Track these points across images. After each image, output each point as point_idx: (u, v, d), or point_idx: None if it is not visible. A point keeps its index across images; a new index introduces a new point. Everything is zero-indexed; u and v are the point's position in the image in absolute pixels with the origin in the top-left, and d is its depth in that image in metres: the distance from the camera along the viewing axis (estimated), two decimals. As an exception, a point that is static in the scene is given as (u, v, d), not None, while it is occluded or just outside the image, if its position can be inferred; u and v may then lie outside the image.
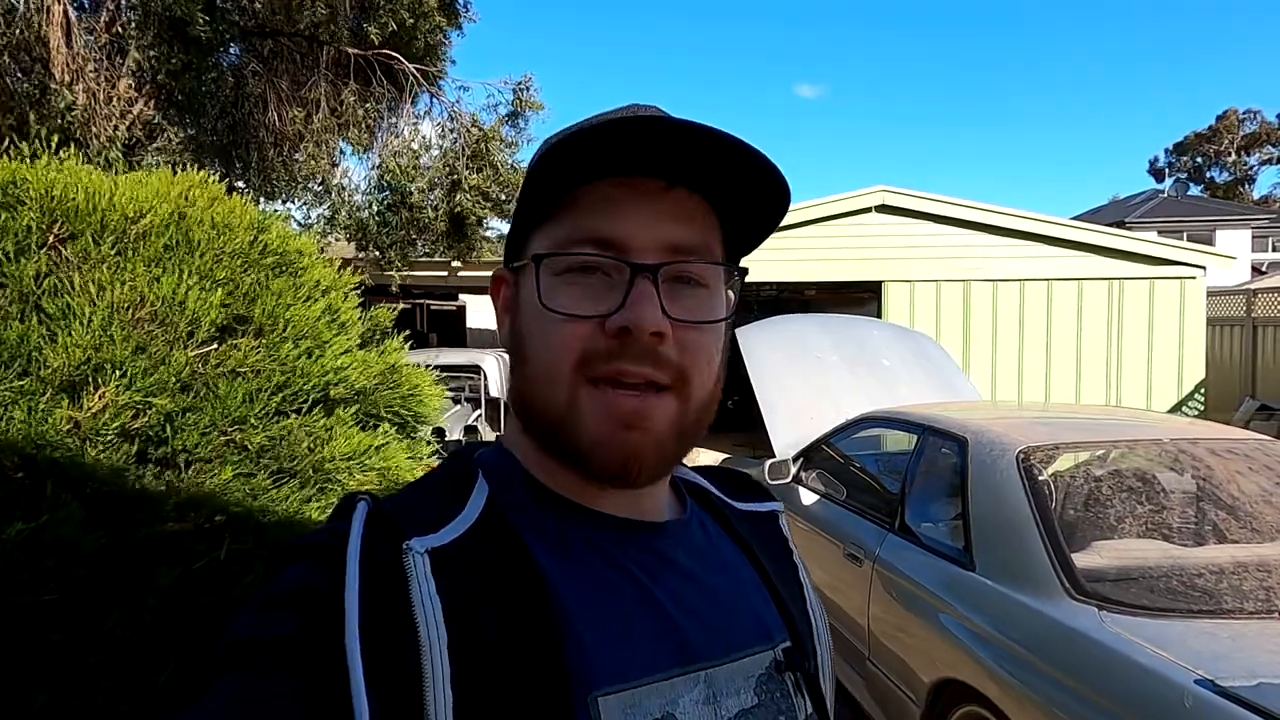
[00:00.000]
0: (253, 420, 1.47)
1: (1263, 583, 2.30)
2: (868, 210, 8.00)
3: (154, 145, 5.92)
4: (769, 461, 4.37)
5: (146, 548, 1.30)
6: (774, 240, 7.85)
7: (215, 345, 1.48)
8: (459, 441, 10.00)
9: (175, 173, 1.74)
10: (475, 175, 8.01)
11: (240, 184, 6.90)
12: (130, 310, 1.40)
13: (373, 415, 1.83)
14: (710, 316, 0.61)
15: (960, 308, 7.98)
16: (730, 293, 0.65)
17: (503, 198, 8.24)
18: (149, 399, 1.34)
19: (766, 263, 8.26)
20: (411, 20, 6.59)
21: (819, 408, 4.81)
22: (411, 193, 7.99)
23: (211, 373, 1.46)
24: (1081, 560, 2.53)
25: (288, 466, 1.51)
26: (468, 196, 8.02)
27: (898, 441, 3.79)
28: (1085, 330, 7.83)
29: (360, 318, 1.99)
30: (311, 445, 1.53)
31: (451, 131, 8.03)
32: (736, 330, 5.76)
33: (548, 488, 0.61)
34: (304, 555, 0.55)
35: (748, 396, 5.40)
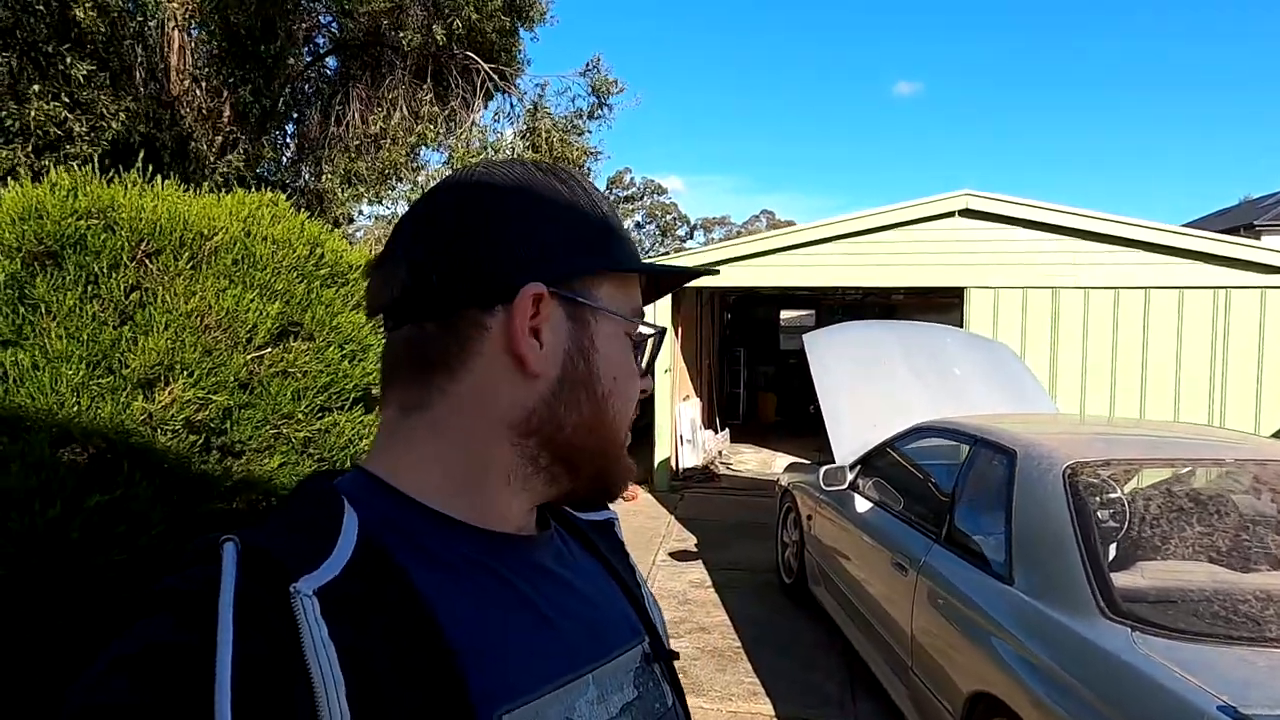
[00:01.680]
0: (299, 415, 1.67)
1: (1313, 612, 2.21)
2: (950, 214, 7.81)
3: (230, 156, 6.43)
4: (824, 467, 4.39)
5: (205, 522, 1.51)
6: (855, 245, 7.81)
7: (269, 349, 1.69)
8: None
9: (250, 189, 1.98)
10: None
11: (327, 187, 7.38)
12: (199, 318, 1.62)
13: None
14: None
15: (1048, 316, 7.68)
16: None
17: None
18: (210, 396, 1.56)
19: (846, 267, 8.18)
20: (478, 18, 6.83)
21: (883, 416, 4.78)
22: None
23: (265, 373, 1.67)
24: (1122, 580, 2.48)
25: (329, 456, 1.70)
26: None
27: (952, 452, 3.75)
28: (1186, 342, 7.40)
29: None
30: (350, 439, 1.72)
31: (531, 131, 8.32)
32: (804, 335, 5.78)
33: (430, 508, 0.61)
34: (160, 606, 0.49)
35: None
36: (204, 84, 6.28)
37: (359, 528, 0.56)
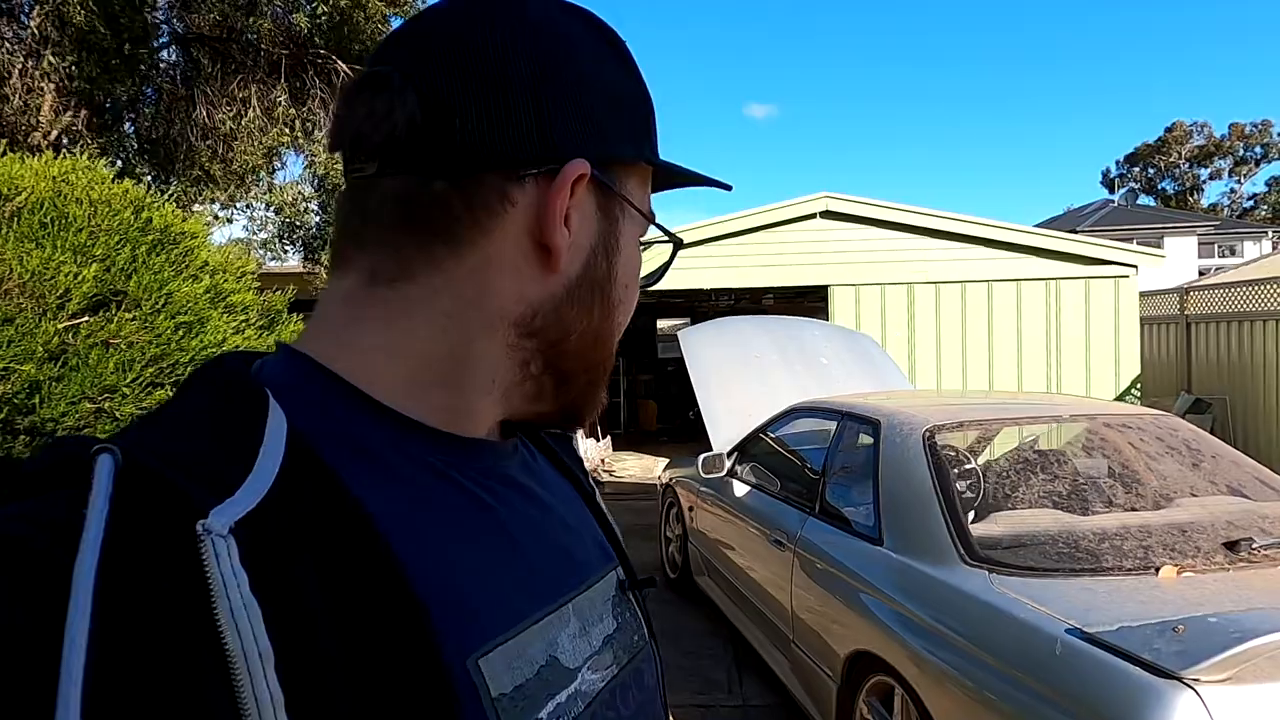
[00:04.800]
0: (124, 390, 1.51)
1: (1141, 543, 2.42)
2: (812, 216, 8.18)
3: (75, 149, 5.90)
4: (703, 455, 4.45)
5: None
6: (725, 247, 7.99)
7: (87, 317, 1.52)
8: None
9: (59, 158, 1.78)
10: None
11: (175, 189, 6.84)
12: (-2, 282, 1.43)
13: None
14: None
15: (905, 310, 8.16)
16: None
17: None
18: (14, 365, 1.38)
19: (718, 269, 8.38)
20: (350, 5, 6.42)
21: (757, 405, 4.90)
22: None
23: (82, 344, 1.50)
24: (979, 530, 2.63)
25: (161, 434, 1.55)
26: None
27: (823, 430, 3.89)
28: (1025, 330, 8.06)
29: (258, 303, 2.03)
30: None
31: None
32: (678, 332, 5.87)
33: (387, 407, 0.49)
34: None
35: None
36: (35, 71, 5.68)
37: (288, 433, 0.42)
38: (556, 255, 0.51)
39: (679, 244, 0.62)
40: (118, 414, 1.51)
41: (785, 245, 8.24)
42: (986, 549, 2.50)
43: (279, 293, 2.14)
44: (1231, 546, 2.38)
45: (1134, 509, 2.70)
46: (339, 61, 6.77)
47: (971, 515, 2.81)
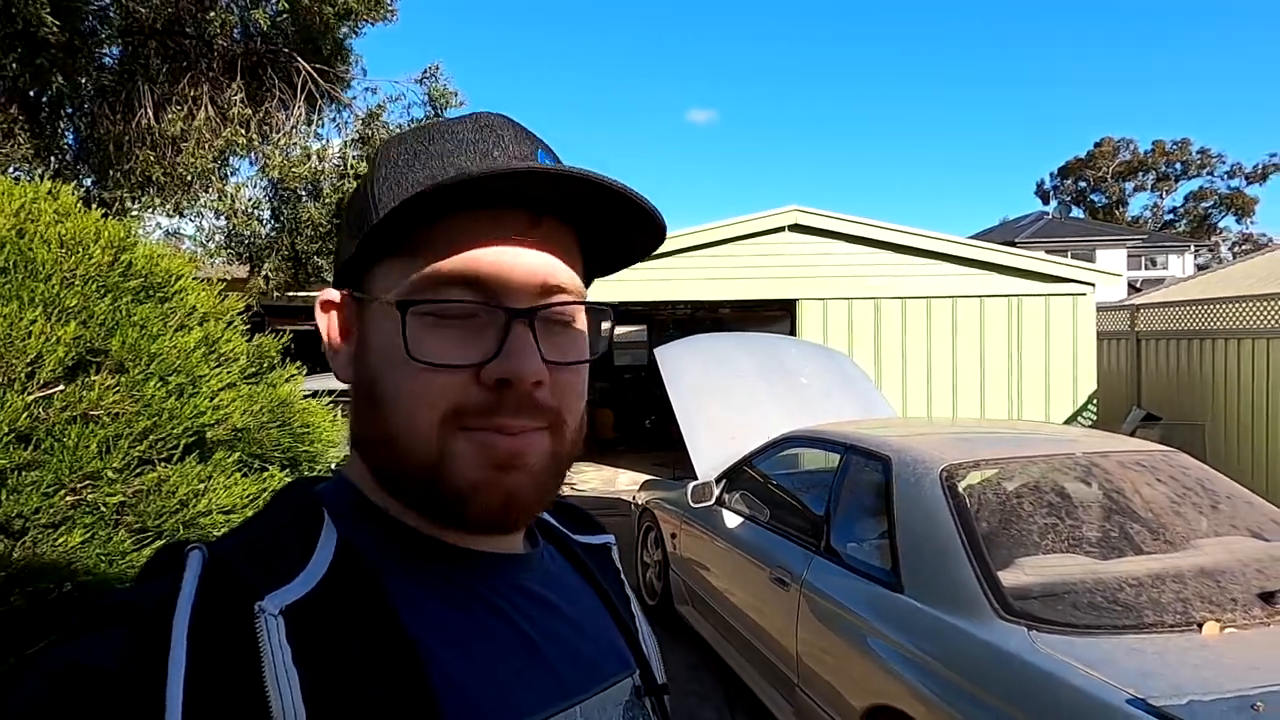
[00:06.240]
0: (109, 474, 1.26)
1: (1179, 594, 2.34)
2: (780, 230, 8.11)
3: (1, 152, 5.39)
4: (692, 484, 4.29)
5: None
6: (692, 259, 7.87)
7: (62, 386, 1.27)
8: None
9: (19, 183, 1.51)
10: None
11: (114, 195, 6.31)
12: (-49, 347, 1.17)
13: (258, 457, 1.62)
14: (583, 355, 0.59)
15: (871, 325, 8.16)
16: (604, 324, 0.62)
17: None
18: (-28, 453, 1.12)
19: (685, 281, 8.24)
20: (313, 3, 6.04)
21: (741, 427, 4.77)
22: (303, 198, 7.49)
23: (58, 418, 1.24)
24: (1007, 578, 2.52)
25: (154, 524, 1.29)
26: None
27: (821, 461, 3.77)
28: (987, 346, 8.14)
29: (247, 349, 1.78)
30: (184, 499, 1.32)
31: (362, 140, 7.59)
32: (655, 350, 5.70)
33: (404, 524, 0.56)
34: (111, 620, 0.44)
35: (665, 415, 5.31)
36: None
37: (338, 540, 0.52)
38: (335, 373, 0.59)
39: (610, 315, 0.61)
40: (102, 505, 1.25)
41: (753, 259, 8.15)
42: (1020, 600, 2.40)
43: (274, 334, 1.89)
44: (1267, 598, 2.33)
45: (1159, 553, 2.63)
46: (300, 59, 6.37)
47: (992, 555, 2.71)
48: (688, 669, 4.47)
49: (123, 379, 1.32)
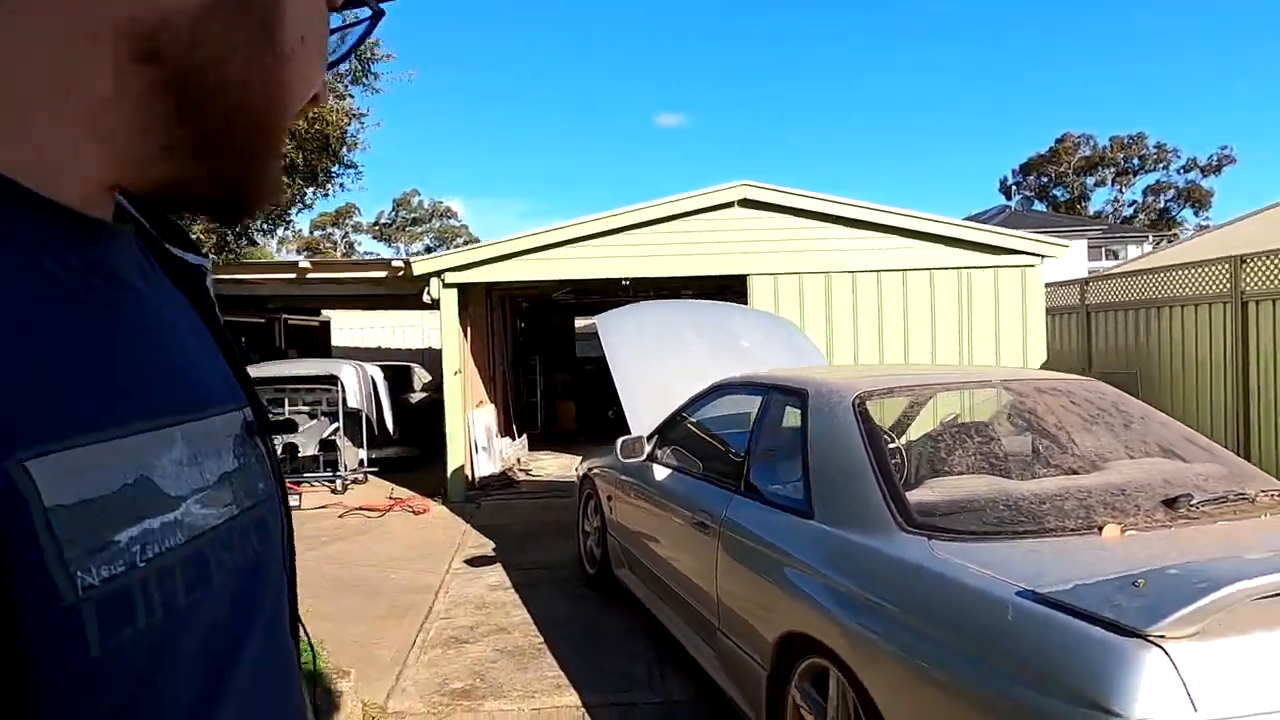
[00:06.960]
0: None
1: (1082, 503, 2.30)
2: (730, 205, 8.06)
3: None
4: (622, 438, 4.20)
5: None
6: (643, 235, 7.77)
7: None
8: (315, 458, 9.36)
9: None
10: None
11: None
12: None
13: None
14: None
15: (822, 299, 8.13)
16: None
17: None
18: None
19: (637, 259, 8.17)
20: None
21: (679, 389, 4.69)
22: None
23: None
24: (915, 497, 2.46)
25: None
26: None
27: (747, 406, 3.70)
28: (938, 318, 8.15)
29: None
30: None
31: None
32: (596, 317, 5.60)
33: None
34: None
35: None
36: None
37: None
38: None
39: (378, 12, 0.57)
40: None
41: (702, 234, 8.09)
42: (924, 515, 2.34)
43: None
44: (1171, 504, 2.29)
45: (1071, 472, 2.59)
46: None
47: (905, 485, 2.65)
48: (626, 632, 4.37)
49: None
